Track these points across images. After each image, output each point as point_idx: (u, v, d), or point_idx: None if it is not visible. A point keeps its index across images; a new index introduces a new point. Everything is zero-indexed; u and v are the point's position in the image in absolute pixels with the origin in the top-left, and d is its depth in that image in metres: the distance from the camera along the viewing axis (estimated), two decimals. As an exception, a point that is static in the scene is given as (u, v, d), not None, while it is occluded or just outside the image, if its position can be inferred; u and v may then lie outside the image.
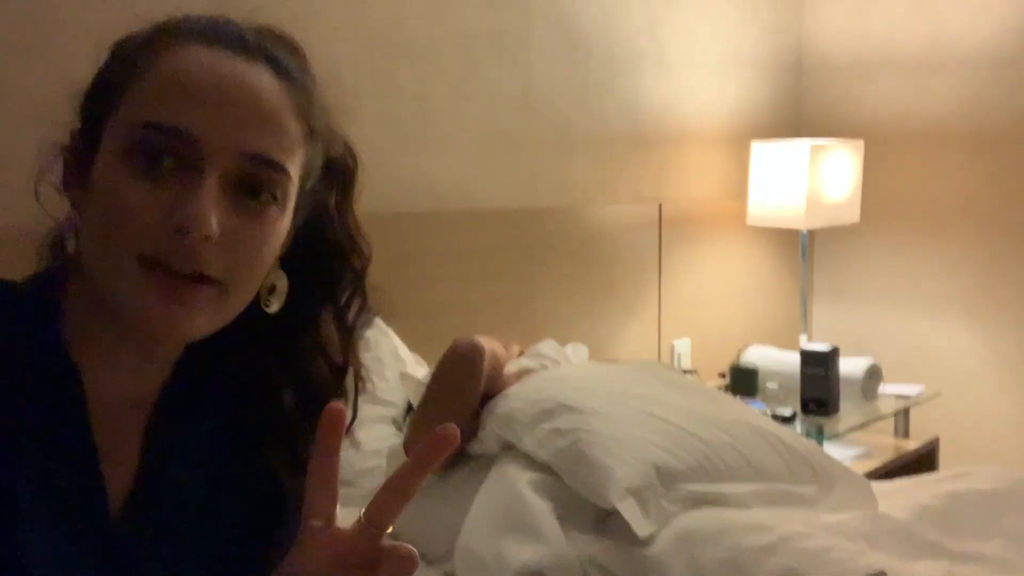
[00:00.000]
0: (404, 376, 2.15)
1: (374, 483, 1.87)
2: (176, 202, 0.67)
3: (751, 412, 1.82)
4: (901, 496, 1.77)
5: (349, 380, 0.85)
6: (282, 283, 0.79)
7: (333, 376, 0.82)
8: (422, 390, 1.86)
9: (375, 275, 2.21)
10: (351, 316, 0.82)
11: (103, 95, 0.72)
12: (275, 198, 0.72)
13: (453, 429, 0.66)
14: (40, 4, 1.76)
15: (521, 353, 2.03)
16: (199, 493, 0.79)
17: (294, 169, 0.73)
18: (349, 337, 0.82)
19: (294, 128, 0.72)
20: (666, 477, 1.49)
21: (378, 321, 2.26)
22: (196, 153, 0.68)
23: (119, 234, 0.68)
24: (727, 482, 1.54)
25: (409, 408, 2.07)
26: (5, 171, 1.69)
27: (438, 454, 0.67)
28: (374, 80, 2.27)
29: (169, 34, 0.72)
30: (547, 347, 2.12)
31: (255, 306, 0.77)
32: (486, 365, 1.76)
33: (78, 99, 0.75)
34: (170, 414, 0.79)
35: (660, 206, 2.94)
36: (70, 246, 0.75)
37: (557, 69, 2.67)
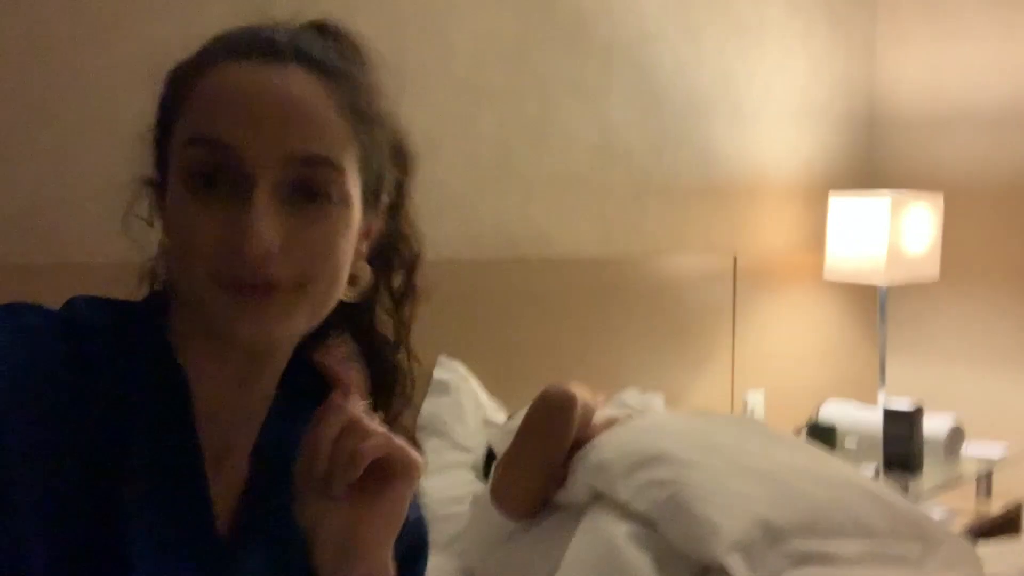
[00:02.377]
0: (486, 423, 2.14)
1: (453, 530, 1.85)
2: (232, 223, 0.68)
3: (851, 469, 1.78)
4: (1002, 560, 1.71)
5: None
6: (364, 274, 0.79)
7: (394, 352, 0.84)
8: (505, 436, 1.84)
9: (451, 319, 2.20)
10: (403, 303, 0.84)
11: (162, 125, 0.74)
12: (332, 196, 0.71)
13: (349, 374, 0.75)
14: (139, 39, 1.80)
15: (604, 401, 2.00)
16: None
17: (348, 161, 0.72)
18: (401, 321, 0.84)
19: (338, 122, 0.72)
20: (772, 533, 1.45)
21: (458, 366, 2.26)
22: (244, 167, 0.68)
23: (190, 256, 0.70)
24: (833, 539, 1.50)
25: (489, 454, 2.06)
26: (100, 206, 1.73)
27: (340, 390, 0.75)
28: (457, 126, 2.30)
29: (205, 57, 0.73)
30: (630, 396, 2.10)
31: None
32: (578, 413, 1.74)
33: (150, 131, 0.76)
34: (277, 430, 0.80)
35: (735, 257, 2.91)
36: (160, 271, 0.77)
37: (634, 118, 2.68)
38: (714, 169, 2.90)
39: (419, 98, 2.23)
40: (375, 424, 0.74)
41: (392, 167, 0.79)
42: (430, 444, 2.09)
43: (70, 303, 0.74)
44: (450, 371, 2.22)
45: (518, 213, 2.44)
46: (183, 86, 0.72)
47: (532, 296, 2.42)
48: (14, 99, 1.68)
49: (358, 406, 0.75)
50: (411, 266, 0.84)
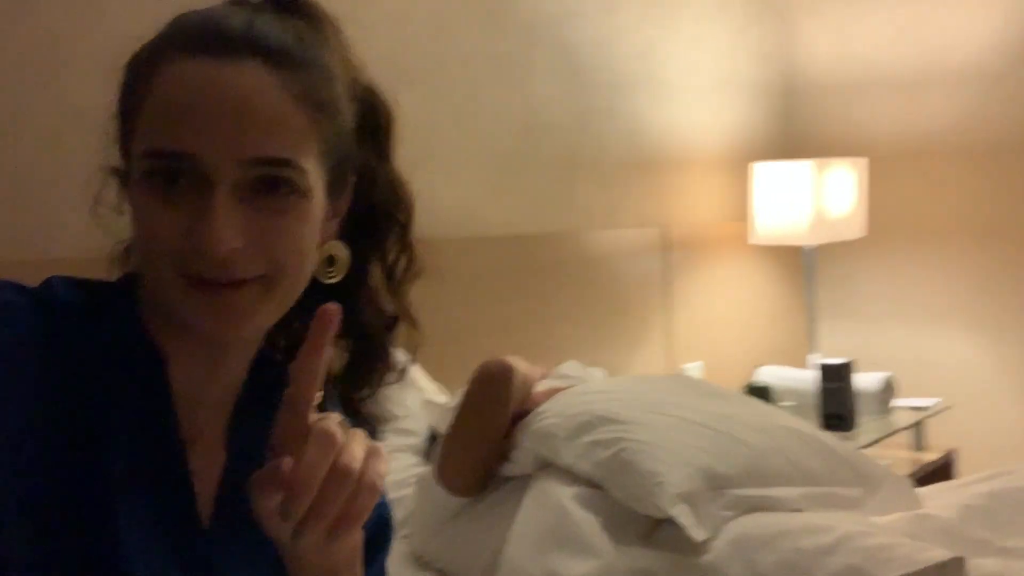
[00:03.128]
0: (426, 403, 2.11)
1: (398, 514, 1.83)
2: (191, 224, 0.67)
3: (789, 417, 1.81)
4: (942, 498, 1.75)
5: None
6: (342, 254, 0.78)
7: (385, 327, 0.82)
8: (447, 416, 1.82)
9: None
10: (399, 270, 0.83)
11: (122, 121, 0.73)
12: (293, 190, 0.70)
13: (332, 307, 0.68)
14: (49, 33, 1.75)
15: (544, 375, 2.00)
16: None
17: (307, 156, 0.71)
18: (398, 289, 0.83)
19: (296, 117, 0.70)
20: (715, 482, 1.46)
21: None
22: (201, 171, 0.68)
23: (155, 255, 0.69)
24: (775, 486, 1.52)
25: (432, 436, 2.04)
26: (29, 201, 1.68)
27: (324, 334, 0.68)
28: (380, 107, 2.27)
29: (159, 52, 0.71)
30: (571, 367, 2.10)
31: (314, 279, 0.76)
32: (517, 384, 1.73)
33: (114, 119, 0.75)
34: (250, 411, 0.79)
35: (664, 229, 2.94)
36: (135, 257, 0.76)
37: (558, 94, 2.69)
38: (640, 143, 2.92)
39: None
40: (358, 450, 0.67)
41: (361, 143, 0.78)
42: (371, 429, 2.06)
43: (47, 282, 0.73)
44: (387, 354, 2.19)
45: (446, 193, 2.42)
46: (139, 82, 0.71)
47: (464, 276, 2.40)
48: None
49: (335, 422, 0.68)
50: (402, 227, 0.82)
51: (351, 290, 0.80)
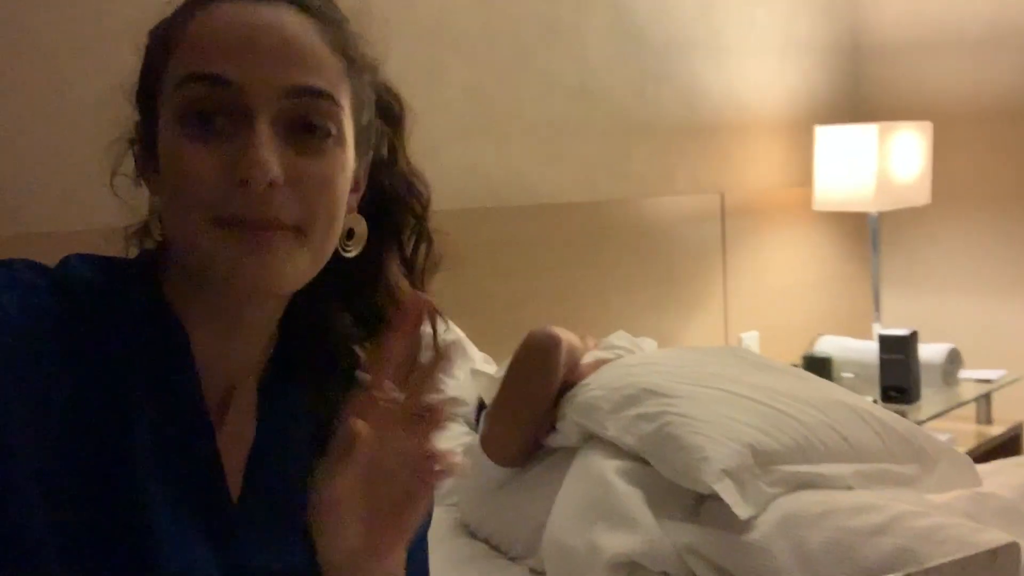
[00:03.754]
0: (474, 372, 2.11)
1: (447, 483, 1.83)
2: (233, 156, 0.67)
3: (844, 391, 1.75)
4: (1003, 476, 1.68)
5: None
6: (360, 227, 0.78)
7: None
8: (495, 386, 1.81)
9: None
10: (419, 261, 0.82)
11: (150, 77, 0.73)
12: (331, 131, 0.71)
13: (425, 296, 0.69)
14: (89, 2, 1.75)
15: (595, 345, 1.98)
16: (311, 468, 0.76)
17: (343, 98, 0.72)
18: (420, 281, 0.82)
19: (332, 61, 0.72)
20: (763, 458, 1.42)
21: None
22: (241, 101, 0.67)
23: (189, 200, 0.68)
24: (826, 463, 1.47)
25: (480, 405, 2.03)
26: (68, 175, 1.70)
27: (412, 319, 0.69)
28: (426, 74, 2.24)
29: (194, 3, 0.72)
30: (620, 338, 2.07)
31: (333, 256, 0.76)
32: (563, 355, 1.71)
33: (132, 91, 0.75)
34: (278, 384, 0.78)
35: (722, 195, 2.87)
36: (155, 231, 0.76)
37: (613, 58, 2.63)
38: (698, 107, 2.85)
39: (383, 47, 2.17)
40: (429, 439, 0.72)
41: (380, 120, 0.79)
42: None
43: (65, 261, 0.73)
44: (436, 324, 2.19)
45: (497, 161, 2.40)
46: (173, 33, 0.71)
47: (516, 245, 2.38)
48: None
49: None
50: (418, 218, 0.82)
51: (369, 283, 0.80)
